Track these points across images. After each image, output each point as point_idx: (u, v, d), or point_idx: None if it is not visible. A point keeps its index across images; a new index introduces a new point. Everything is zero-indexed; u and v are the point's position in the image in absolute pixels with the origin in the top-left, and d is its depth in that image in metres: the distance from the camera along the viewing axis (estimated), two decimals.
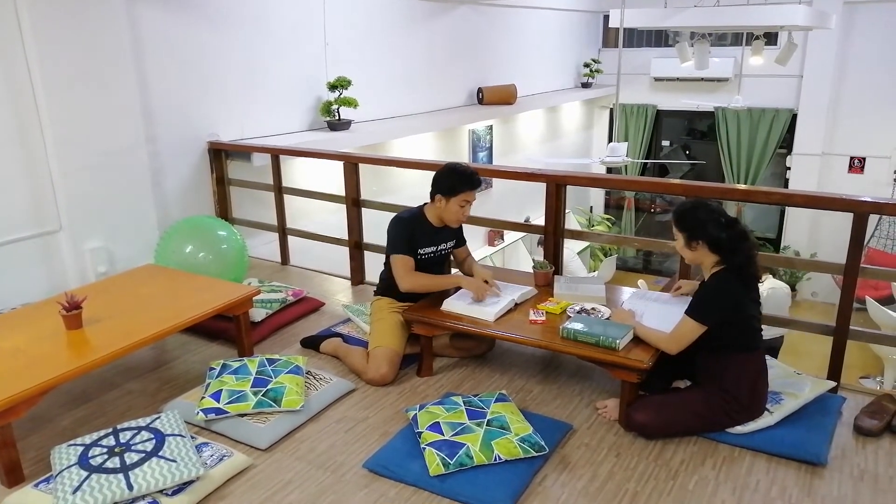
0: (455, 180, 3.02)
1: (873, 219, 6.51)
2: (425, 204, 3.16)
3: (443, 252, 3.21)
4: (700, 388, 2.55)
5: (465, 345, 3.16)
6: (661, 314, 2.73)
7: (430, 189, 3.09)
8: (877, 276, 3.11)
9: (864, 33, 8.30)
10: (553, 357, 3.19)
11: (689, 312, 2.45)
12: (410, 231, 3.07)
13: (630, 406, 2.56)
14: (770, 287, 5.28)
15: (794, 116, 8.85)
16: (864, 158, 8.66)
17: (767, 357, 2.85)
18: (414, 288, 3.04)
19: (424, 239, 3.11)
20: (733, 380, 2.44)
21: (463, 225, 3.28)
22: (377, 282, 3.36)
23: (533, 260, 3.46)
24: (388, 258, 3.16)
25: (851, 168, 8.75)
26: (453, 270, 3.43)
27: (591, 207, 10.79)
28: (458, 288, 3.10)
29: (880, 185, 8.42)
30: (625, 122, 9.95)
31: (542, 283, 3.24)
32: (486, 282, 3.04)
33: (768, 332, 5.11)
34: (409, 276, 3.03)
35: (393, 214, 3.93)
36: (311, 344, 3.34)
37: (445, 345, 3.16)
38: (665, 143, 10.66)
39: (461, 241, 3.33)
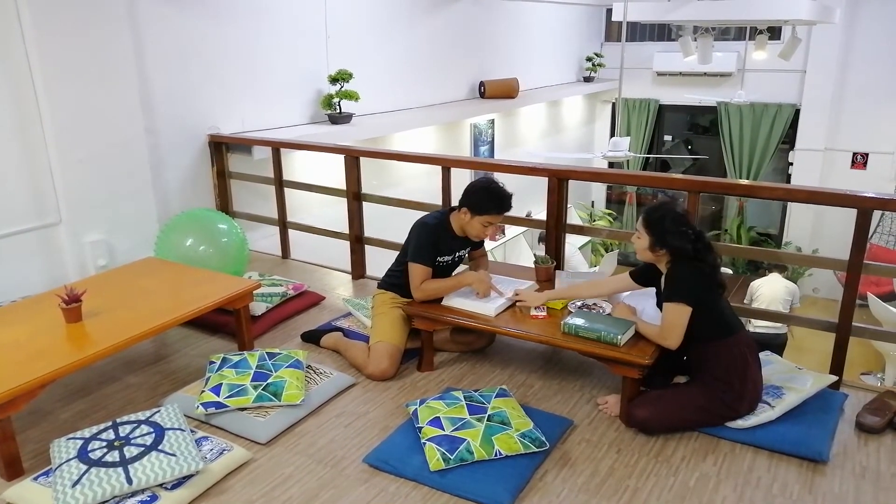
0: (485, 200, 2.93)
1: (876, 215, 6.49)
2: (451, 210, 3.07)
3: (458, 258, 3.17)
4: (697, 381, 2.54)
5: (465, 339, 3.15)
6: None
7: (459, 198, 3.00)
8: (880, 273, 3.10)
9: (868, 28, 8.26)
10: (554, 352, 3.18)
11: (668, 298, 2.47)
12: (437, 239, 3.00)
13: (631, 402, 2.55)
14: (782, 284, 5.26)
15: (797, 111, 8.82)
16: (867, 154, 8.63)
17: (769, 353, 2.84)
18: (426, 299, 2.97)
19: (446, 248, 3.05)
20: (723, 367, 2.46)
21: None
22: (380, 276, 3.33)
23: (534, 255, 3.44)
24: (403, 255, 3.10)
25: (854, 164, 8.72)
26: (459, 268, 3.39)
27: (593, 202, 10.76)
28: None
29: (883, 181, 8.39)
30: (627, 117, 9.91)
31: (543, 278, 3.22)
32: (478, 291, 2.97)
33: (768, 328, 5.12)
34: (422, 288, 2.95)
35: (392, 211, 3.91)
36: (312, 338, 3.33)
37: (446, 339, 3.15)
38: (667, 137, 10.63)
39: (480, 244, 3.28)
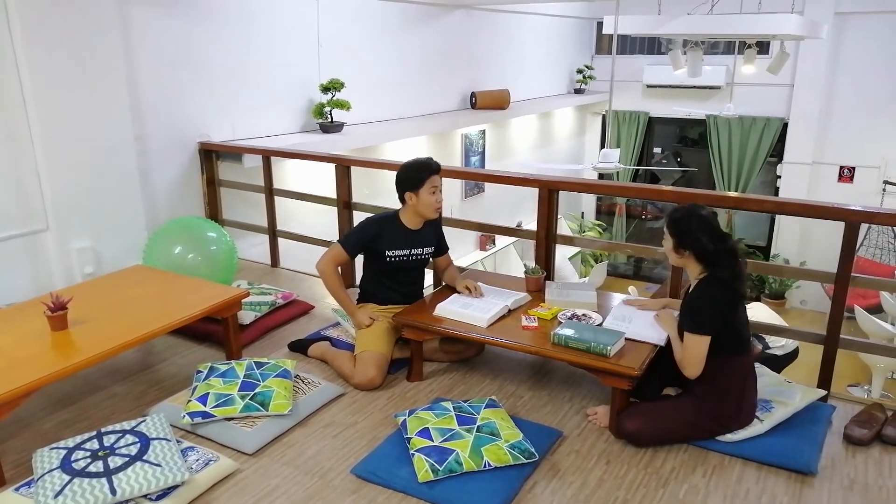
0: (415, 172, 3.06)
1: (862, 228, 6.55)
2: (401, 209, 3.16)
3: (417, 257, 3.17)
4: (691, 394, 2.54)
5: (454, 348, 3.14)
6: (649, 322, 2.73)
7: (397, 195, 3.11)
8: (867, 286, 3.12)
9: (854, 44, 8.37)
10: (544, 363, 3.17)
11: (687, 329, 2.44)
12: (375, 232, 3.08)
13: (621, 413, 2.54)
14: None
15: (785, 125, 8.91)
16: (853, 168, 8.72)
17: (759, 365, 2.85)
18: (322, 277, 3.08)
19: (395, 241, 3.10)
20: (724, 383, 2.44)
21: (444, 232, 3.29)
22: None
23: (524, 265, 3.45)
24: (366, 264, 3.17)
25: (841, 177, 8.81)
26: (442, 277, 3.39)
27: (583, 213, 10.81)
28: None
29: (869, 195, 8.48)
30: (617, 129, 9.98)
31: (533, 288, 3.23)
32: (469, 288, 3.09)
33: (784, 347, 5.02)
34: (325, 270, 3.05)
35: None
36: (300, 347, 3.31)
37: (435, 349, 3.14)
38: (657, 150, 10.70)
39: (443, 249, 3.30)
